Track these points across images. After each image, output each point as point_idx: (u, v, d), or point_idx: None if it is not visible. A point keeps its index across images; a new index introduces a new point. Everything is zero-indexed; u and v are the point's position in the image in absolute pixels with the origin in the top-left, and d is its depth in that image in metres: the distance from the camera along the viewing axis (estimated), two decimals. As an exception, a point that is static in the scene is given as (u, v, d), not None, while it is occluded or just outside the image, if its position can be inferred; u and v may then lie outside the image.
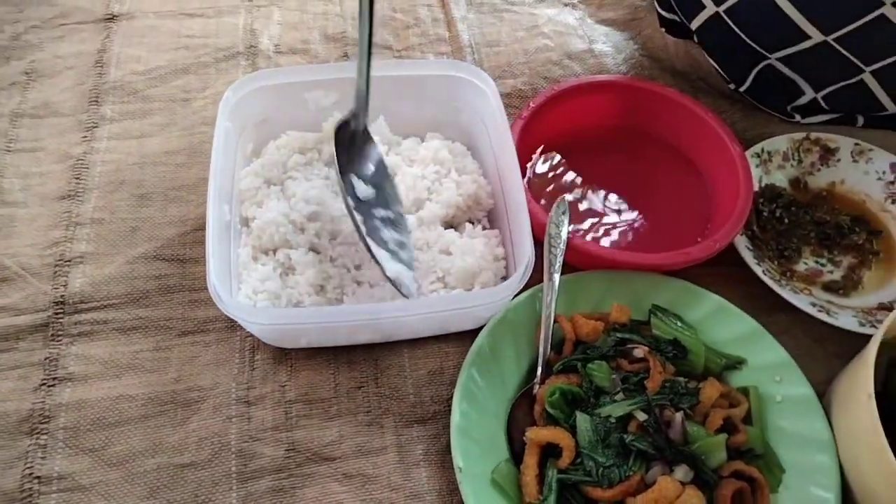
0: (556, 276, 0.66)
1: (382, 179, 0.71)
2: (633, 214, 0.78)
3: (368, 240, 0.64)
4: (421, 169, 0.75)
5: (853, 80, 0.79)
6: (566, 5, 1.02)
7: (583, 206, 0.78)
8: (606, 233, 0.77)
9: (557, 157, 0.82)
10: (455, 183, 0.74)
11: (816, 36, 0.74)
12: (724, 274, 0.74)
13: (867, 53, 0.75)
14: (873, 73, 0.77)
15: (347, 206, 0.64)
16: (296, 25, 0.94)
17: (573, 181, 0.80)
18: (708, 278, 0.75)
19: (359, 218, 0.64)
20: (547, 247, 0.67)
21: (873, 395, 0.55)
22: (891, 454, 0.52)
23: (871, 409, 0.55)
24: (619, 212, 0.78)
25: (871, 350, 0.58)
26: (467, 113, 0.78)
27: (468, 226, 0.73)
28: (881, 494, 0.55)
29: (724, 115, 0.85)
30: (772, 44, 0.78)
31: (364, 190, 0.68)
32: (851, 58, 0.76)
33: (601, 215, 0.78)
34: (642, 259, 0.68)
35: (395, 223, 0.70)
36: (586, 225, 0.77)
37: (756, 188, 0.79)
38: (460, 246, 0.70)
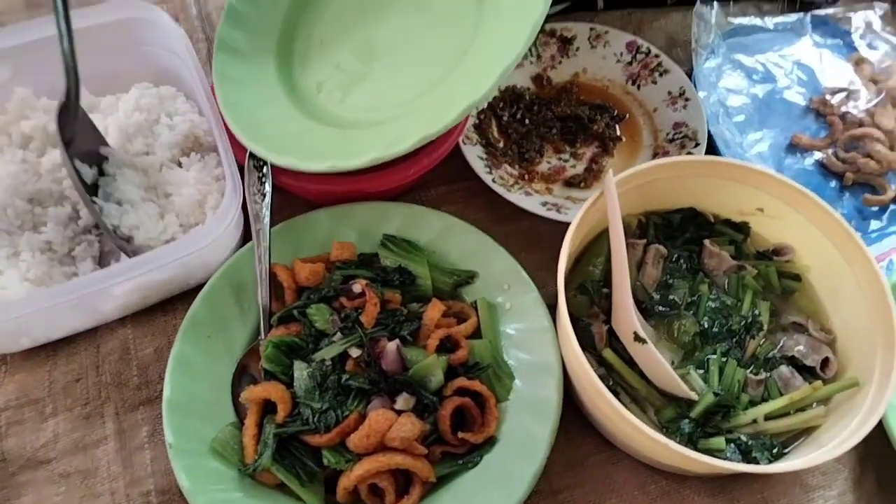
0: (265, 224, 0.63)
1: (100, 151, 0.67)
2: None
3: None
4: (125, 119, 0.69)
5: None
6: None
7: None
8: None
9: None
10: (167, 126, 0.70)
11: None
12: (466, 188, 0.72)
13: None
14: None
15: (94, 213, 0.63)
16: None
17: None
18: (453, 195, 0.73)
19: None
20: (249, 197, 0.63)
21: (563, 282, 0.54)
22: (573, 337, 0.51)
23: (561, 299, 0.53)
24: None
25: (566, 239, 0.56)
26: (166, 55, 0.72)
27: (184, 159, 0.69)
28: (581, 380, 0.55)
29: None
30: None
31: (88, 173, 0.64)
32: None
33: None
34: (353, 185, 0.65)
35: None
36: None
37: (495, 93, 0.77)
38: (176, 183, 0.67)
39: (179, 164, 0.70)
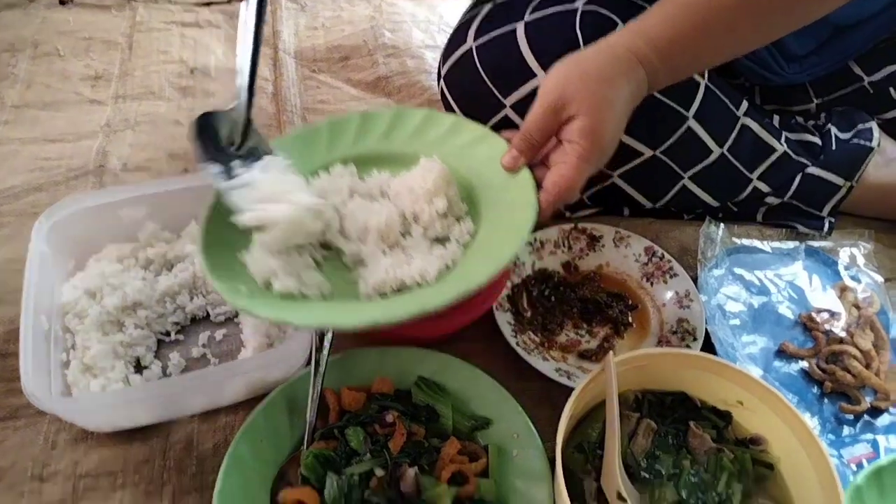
0: (325, 354, 0.76)
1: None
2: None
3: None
4: None
5: (607, 183, 0.93)
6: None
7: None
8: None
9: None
10: None
11: None
12: (493, 346, 0.85)
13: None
14: (620, 176, 0.92)
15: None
16: (145, 146, 1.07)
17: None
18: (482, 350, 0.85)
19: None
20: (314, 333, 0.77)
21: (561, 440, 0.65)
22: (564, 490, 0.61)
23: (558, 456, 0.64)
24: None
25: (569, 403, 0.67)
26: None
27: None
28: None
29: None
30: None
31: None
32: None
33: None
34: (400, 331, 0.78)
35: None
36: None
37: (529, 272, 0.92)
38: None
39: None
